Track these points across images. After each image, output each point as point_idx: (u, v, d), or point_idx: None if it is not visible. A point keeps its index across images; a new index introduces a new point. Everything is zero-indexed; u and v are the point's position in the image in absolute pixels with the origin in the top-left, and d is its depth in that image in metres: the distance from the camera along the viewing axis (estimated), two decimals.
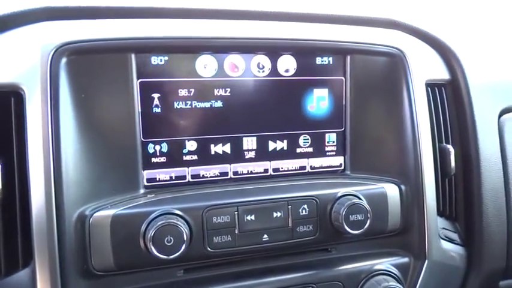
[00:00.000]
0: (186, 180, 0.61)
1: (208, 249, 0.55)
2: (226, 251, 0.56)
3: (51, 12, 0.55)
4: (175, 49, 0.58)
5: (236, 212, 0.56)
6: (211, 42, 0.58)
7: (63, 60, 0.52)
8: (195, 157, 0.61)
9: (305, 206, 0.59)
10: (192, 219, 0.54)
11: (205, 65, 0.59)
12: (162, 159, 0.59)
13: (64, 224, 0.50)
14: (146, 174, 0.59)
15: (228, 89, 0.61)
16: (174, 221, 0.52)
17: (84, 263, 0.52)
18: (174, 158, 0.60)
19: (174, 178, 0.60)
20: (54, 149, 0.50)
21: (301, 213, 0.59)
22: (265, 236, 0.58)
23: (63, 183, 0.50)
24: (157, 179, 0.59)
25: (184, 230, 0.52)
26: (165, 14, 0.58)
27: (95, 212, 0.52)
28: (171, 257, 0.51)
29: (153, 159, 0.59)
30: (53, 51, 0.51)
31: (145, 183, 0.59)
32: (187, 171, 0.61)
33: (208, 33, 0.58)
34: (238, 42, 0.60)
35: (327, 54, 0.64)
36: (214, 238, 0.55)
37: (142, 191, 0.58)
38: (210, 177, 0.62)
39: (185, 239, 0.52)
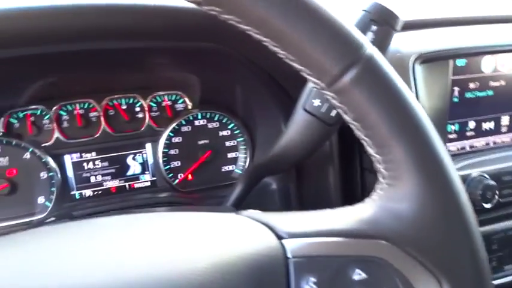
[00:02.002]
0: (466, 150, 0.83)
1: None
2: None
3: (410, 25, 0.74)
4: (472, 54, 0.78)
5: None
6: (493, 48, 0.79)
7: (417, 64, 0.72)
8: (472, 133, 0.82)
9: None
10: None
11: (487, 64, 0.80)
12: (454, 135, 0.81)
13: None
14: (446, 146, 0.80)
15: (497, 82, 0.82)
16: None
17: None
18: (461, 134, 0.81)
19: (460, 149, 0.82)
20: None
21: None
22: None
23: None
24: (450, 150, 0.81)
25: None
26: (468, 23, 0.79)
27: None
28: None
29: (449, 136, 0.80)
30: (414, 57, 0.71)
31: None
32: (467, 143, 0.82)
33: (492, 42, 0.79)
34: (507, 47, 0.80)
35: None
36: None
37: None
38: (480, 146, 0.84)
39: None
